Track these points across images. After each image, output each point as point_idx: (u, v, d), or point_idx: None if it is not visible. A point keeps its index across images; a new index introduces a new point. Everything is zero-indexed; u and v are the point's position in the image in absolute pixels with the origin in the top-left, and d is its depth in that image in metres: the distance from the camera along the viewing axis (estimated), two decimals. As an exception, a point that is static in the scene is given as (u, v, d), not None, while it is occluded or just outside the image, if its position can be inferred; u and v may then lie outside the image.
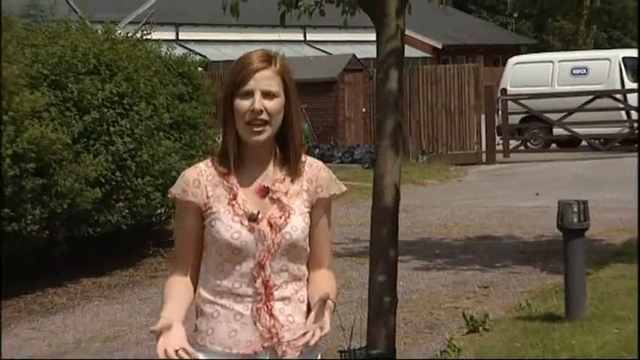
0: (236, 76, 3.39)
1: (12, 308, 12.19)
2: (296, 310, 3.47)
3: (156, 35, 17.31)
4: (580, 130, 28.76)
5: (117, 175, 13.37)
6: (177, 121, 15.01)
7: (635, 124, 28.48)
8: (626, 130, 28.76)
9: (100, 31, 14.56)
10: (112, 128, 13.53)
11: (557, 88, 29.25)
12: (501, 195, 20.55)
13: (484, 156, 27.50)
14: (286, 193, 3.44)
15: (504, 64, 30.98)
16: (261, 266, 3.36)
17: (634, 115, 28.53)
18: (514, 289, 12.08)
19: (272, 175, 3.46)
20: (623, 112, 28.74)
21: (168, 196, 3.64)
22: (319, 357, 3.57)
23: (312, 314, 3.30)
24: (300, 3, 5.97)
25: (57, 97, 13.08)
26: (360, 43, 30.88)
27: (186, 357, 3.10)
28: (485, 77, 28.15)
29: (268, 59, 3.41)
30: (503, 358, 9.06)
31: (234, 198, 3.40)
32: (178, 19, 33.17)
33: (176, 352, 3.09)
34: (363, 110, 28.48)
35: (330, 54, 31.23)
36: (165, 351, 3.09)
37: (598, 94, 28.43)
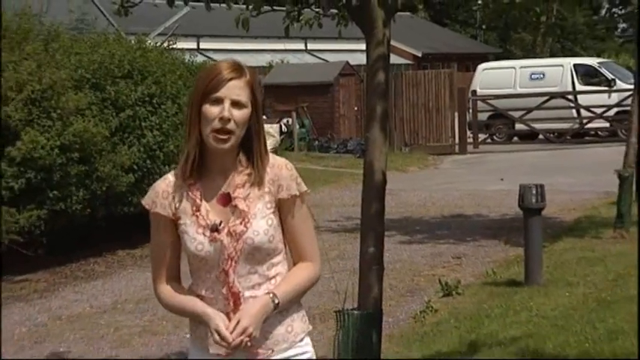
0: (207, 83, 3.02)
1: (60, 275, 12.20)
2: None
3: (180, 45, 17.33)
4: (538, 126, 28.75)
5: (147, 163, 13.40)
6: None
7: (585, 121, 28.51)
8: (576, 126, 28.72)
9: (133, 42, 14.53)
10: (143, 123, 13.53)
11: (519, 90, 29.21)
12: (471, 180, 20.53)
13: (457, 147, 27.47)
14: (246, 198, 3.08)
15: (474, 70, 30.91)
16: (225, 273, 3.05)
17: (583, 112, 28.56)
18: (482, 260, 12.09)
19: (234, 181, 3.10)
20: (573, 111, 28.73)
21: (143, 206, 3.24)
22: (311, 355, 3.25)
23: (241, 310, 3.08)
24: (301, 17, 5.94)
25: (97, 97, 13.07)
26: (352, 51, 30.87)
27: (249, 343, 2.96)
28: (459, 81, 28.18)
29: (239, 69, 3.08)
30: (472, 315, 9.07)
31: (198, 209, 3.07)
32: (199, 31, 33.11)
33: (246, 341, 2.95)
34: (355, 109, 28.46)
35: (327, 61, 31.19)
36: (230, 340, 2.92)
37: (553, 95, 28.42)
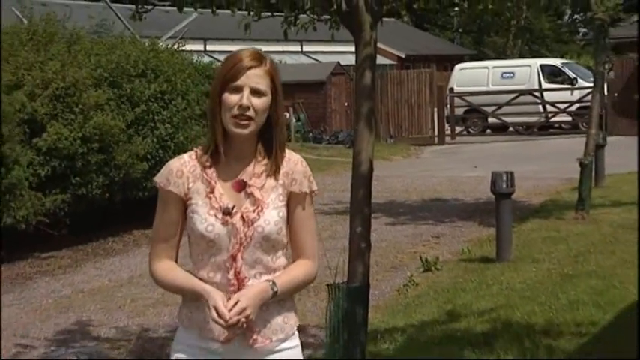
0: (227, 71, 2.76)
1: (82, 252, 12.21)
2: (271, 300, 2.81)
3: (189, 47, 17.28)
4: (508, 119, 28.77)
5: (160, 153, 13.36)
6: (205, 112, 14.96)
7: (549, 115, 28.56)
8: (542, 120, 28.77)
9: (146, 44, 14.49)
10: (156, 117, 13.51)
11: (491, 88, 29.24)
12: (449, 168, 20.56)
13: (436, 139, 27.47)
14: (261, 188, 2.80)
15: (452, 70, 30.89)
16: (233, 258, 2.75)
17: (548, 108, 28.60)
18: (458, 239, 12.11)
19: (252, 170, 2.82)
20: (540, 106, 28.78)
21: (154, 183, 2.93)
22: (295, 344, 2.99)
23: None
24: (297, 22, 5.92)
25: (114, 93, 13.05)
26: (343, 53, 30.74)
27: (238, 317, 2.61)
28: (438, 79, 28.08)
29: (259, 58, 2.80)
30: (449, 288, 9.09)
31: (212, 192, 2.78)
32: (206, 34, 32.93)
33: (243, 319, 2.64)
34: (345, 104, 28.43)
35: (320, 61, 31.16)
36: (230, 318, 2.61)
37: (521, 92, 28.48)
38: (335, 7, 5.01)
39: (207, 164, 2.82)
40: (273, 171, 2.83)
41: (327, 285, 4.94)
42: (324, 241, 11.09)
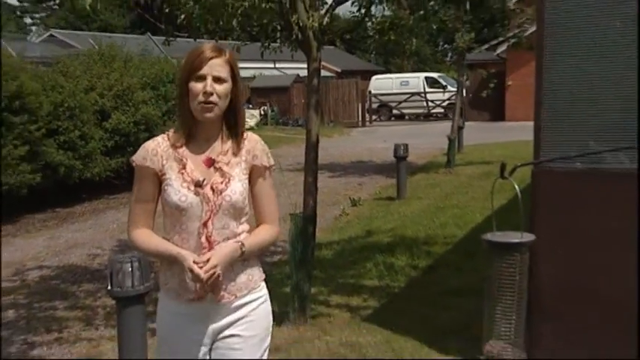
0: (192, 62, 2.23)
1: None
2: (236, 261, 2.27)
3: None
4: (405, 111, 28.99)
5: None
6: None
7: (430, 108, 28.74)
8: (425, 111, 28.89)
9: (174, 62, 14.24)
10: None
11: (394, 91, 29.22)
12: (368, 142, 20.55)
13: (360, 123, 27.39)
14: (228, 163, 2.28)
15: (370, 79, 30.75)
16: (204, 224, 2.22)
17: (430, 104, 28.71)
18: (373, 185, 12.15)
19: (217, 148, 2.30)
20: (424, 102, 28.86)
21: (131, 162, 2.37)
22: (262, 295, 2.37)
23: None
24: (270, 47, 5.84)
25: (154, 93, 12.83)
26: (301, 68, 30.47)
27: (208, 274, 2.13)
28: (361, 86, 27.91)
29: (219, 50, 2.27)
30: (367, 216, 9.15)
31: (184, 167, 2.25)
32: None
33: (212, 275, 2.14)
34: (303, 101, 28.17)
35: (286, 74, 30.78)
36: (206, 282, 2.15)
37: (413, 94, 28.60)
38: (294, 37, 4.94)
39: (179, 144, 2.28)
40: (237, 149, 2.31)
41: (290, 214, 4.93)
42: (289, 187, 11.09)
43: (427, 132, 21.89)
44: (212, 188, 2.24)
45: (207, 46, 2.24)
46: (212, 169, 2.27)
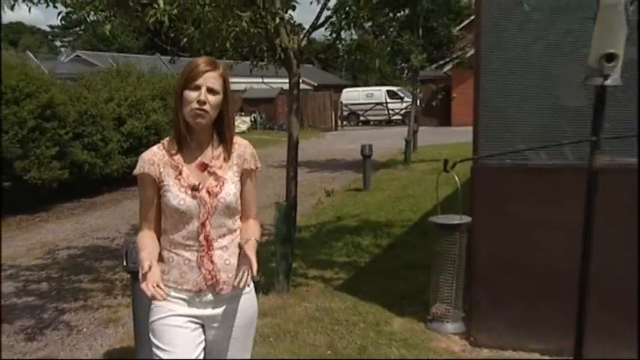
0: (188, 73, 2.03)
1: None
2: (232, 255, 2.10)
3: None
4: (370, 118, 28.96)
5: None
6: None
7: (390, 115, 28.81)
8: (387, 118, 28.95)
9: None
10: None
11: (361, 102, 29.23)
12: (339, 143, 20.53)
13: (333, 128, 27.40)
14: (220, 167, 2.10)
15: (341, 92, 30.72)
16: (203, 224, 2.04)
17: (390, 112, 28.75)
18: (345, 179, 12.11)
19: (210, 154, 2.10)
20: (386, 111, 28.91)
21: (134, 174, 2.13)
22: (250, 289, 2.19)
23: (241, 257, 2.11)
24: (259, 63, 5.82)
25: (162, 103, 12.63)
26: (284, 82, 30.55)
27: (160, 292, 1.88)
28: (334, 97, 27.88)
29: (214, 64, 2.07)
30: (339, 204, 9.15)
31: (180, 173, 2.06)
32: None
33: (154, 287, 1.88)
34: (285, 109, 28.10)
35: (272, 87, 30.59)
36: (147, 286, 1.87)
37: (376, 104, 28.63)
38: (278, 56, 4.92)
39: (173, 152, 2.08)
40: (228, 154, 2.12)
41: (275, 203, 4.92)
42: (275, 181, 11.06)
43: (388, 135, 21.95)
44: (208, 191, 2.07)
45: (203, 60, 2.06)
46: (206, 173, 2.09)
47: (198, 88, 2.01)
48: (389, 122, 29.00)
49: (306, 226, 7.58)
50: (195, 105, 2.00)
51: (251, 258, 1.96)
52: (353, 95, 30.00)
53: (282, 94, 27.53)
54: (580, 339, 1.90)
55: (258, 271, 2.01)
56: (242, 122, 24.18)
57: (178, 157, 2.08)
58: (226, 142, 2.12)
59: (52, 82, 10.19)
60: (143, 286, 1.86)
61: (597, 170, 1.73)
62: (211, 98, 2.02)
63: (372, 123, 29.27)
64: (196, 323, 2.09)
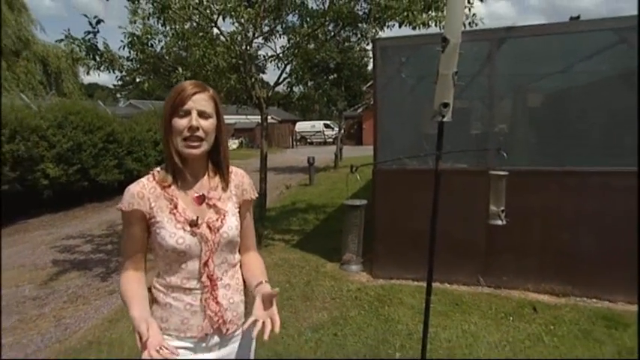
0: (175, 98, 1.27)
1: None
2: (235, 292, 1.38)
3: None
4: (314, 140, 28.91)
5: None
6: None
7: (326, 138, 28.87)
8: (323, 140, 29.04)
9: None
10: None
11: (308, 130, 29.20)
12: (295, 155, 20.27)
13: (291, 146, 27.10)
14: (219, 199, 1.35)
15: (296, 124, 30.47)
16: (205, 264, 1.30)
17: (326, 137, 28.74)
18: (297, 178, 11.84)
19: (206, 184, 1.35)
20: (323, 136, 28.92)
21: (118, 209, 1.33)
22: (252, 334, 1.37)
23: (259, 302, 1.30)
24: (242, 106, 5.72)
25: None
26: (259, 118, 29.84)
27: (169, 355, 1.17)
28: (291, 127, 27.62)
29: (202, 86, 1.30)
30: (294, 194, 9.03)
31: (175, 207, 1.30)
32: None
33: (157, 351, 1.16)
34: (260, 135, 27.57)
35: (252, 120, 30.03)
36: (150, 353, 1.17)
37: (317, 132, 28.66)
38: (254, 102, 4.86)
39: (166, 184, 1.31)
40: (226, 183, 1.38)
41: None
42: (253, 179, 10.82)
43: (324, 151, 21.91)
44: (209, 226, 1.32)
45: (189, 82, 1.30)
46: (204, 205, 1.33)
47: (187, 113, 1.27)
48: (325, 143, 29.04)
49: (272, 208, 7.46)
50: (186, 133, 1.27)
51: (274, 314, 1.24)
52: (303, 126, 29.84)
53: (259, 125, 26.98)
54: (431, 269, 2.02)
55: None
56: (233, 143, 23.63)
57: (173, 190, 1.32)
58: (223, 171, 1.37)
59: (113, 119, 9.99)
60: (145, 355, 1.17)
61: (440, 172, 1.84)
62: (204, 123, 1.29)
63: (314, 143, 29.24)
64: None
